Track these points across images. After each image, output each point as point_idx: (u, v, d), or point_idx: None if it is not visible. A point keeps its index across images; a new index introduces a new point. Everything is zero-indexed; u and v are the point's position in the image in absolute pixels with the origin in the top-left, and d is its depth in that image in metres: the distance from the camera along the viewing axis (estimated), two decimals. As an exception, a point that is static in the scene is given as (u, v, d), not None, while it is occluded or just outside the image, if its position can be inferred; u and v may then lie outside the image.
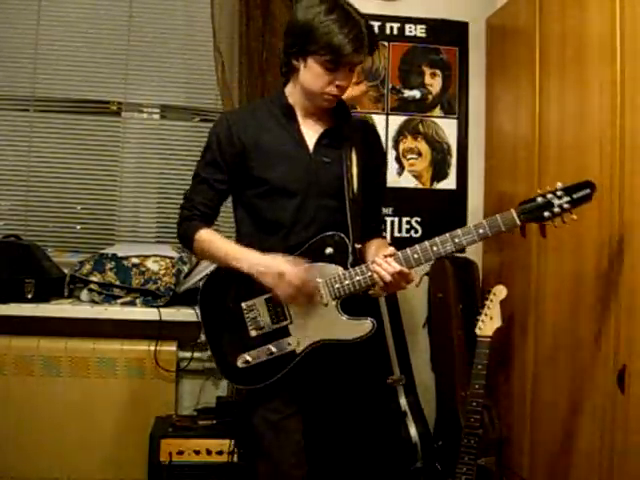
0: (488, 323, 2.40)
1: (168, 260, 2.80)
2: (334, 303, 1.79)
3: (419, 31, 3.10)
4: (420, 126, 3.10)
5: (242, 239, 1.91)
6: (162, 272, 2.76)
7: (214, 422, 2.58)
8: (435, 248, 1.74)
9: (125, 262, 2.76)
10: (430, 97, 3.12)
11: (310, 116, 1.91)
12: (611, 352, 1.94)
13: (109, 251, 2.82)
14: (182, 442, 2.46)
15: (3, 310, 2.60)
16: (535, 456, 2.44)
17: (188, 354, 2.82)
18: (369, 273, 1.76)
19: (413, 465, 2.70)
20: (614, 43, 1.96)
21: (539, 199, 1.71)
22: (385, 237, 2.06)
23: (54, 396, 2.65)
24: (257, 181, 1.86)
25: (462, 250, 1.89)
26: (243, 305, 1.85)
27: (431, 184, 3.11)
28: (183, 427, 2.51)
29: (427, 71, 3.12)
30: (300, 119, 1.90)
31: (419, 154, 3.09)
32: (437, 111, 3.13)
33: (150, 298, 2.73)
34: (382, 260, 1.74)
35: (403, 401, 2.76)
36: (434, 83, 3.13)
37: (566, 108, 2.29)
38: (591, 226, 2.05)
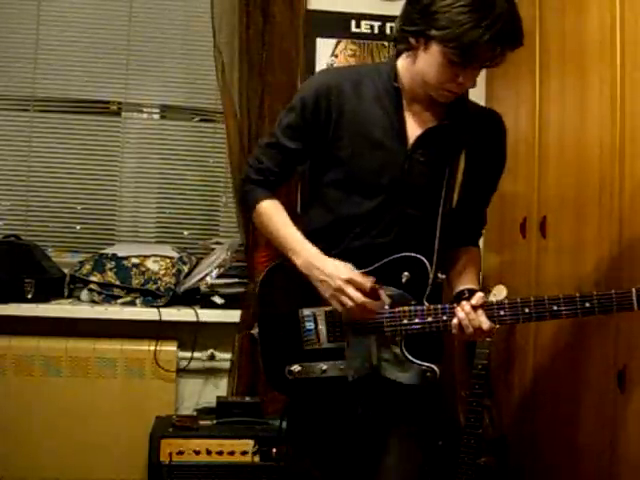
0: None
1: (168, 260, 2.80)
2: (398, 339, 1.57)
3: (419, 31, 3.09)
4: (420, 126, 3.09)
5: (308, 235, 1.65)
6: (162, 272, 2.76)
7: (214, 422, 2.57)
8: (527, 310, 1.48)
9: (125, 262, 2.77)
10: (430, 97, 3.11)
11: (419, 102, 1.61)
12: (611, 352, 1.94)
13: (109, 251, 2.83)
14: (182, 442, 2.45)
15: (3, 310, 2.60)
16: (535, 456, 2.44)
17: (188, 354, 2.82)
18: (444, 317, 1.52)
19: (413, 465, 2.69)
20: (614, 43, 1.95)
21: None
22: (478, 248, 1.80)
23: (54, 396, 2.65)
24: (337, 164, 1.61)
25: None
26: (301, 313, 1.65)
27: (431, 184, 3.10)
28: (183, 427, 2.51)
29: (427, 71, 3.10)
30: (406, 105, 1.60)
31: (419, 154, 3.08)
32: (437, 111, 3.11)
33: (150, 298, 2.73)
34: (470, 310, 1.49)
35: (403, 401, 2.76)
36: (434, 83, 3.11)
37: (566, 108, 2.29)
38: (591, 225, 2.05)
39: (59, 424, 2.65)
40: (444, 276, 1.62)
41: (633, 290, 1.42)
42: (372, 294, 1.53)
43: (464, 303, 1.51)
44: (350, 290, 1.51)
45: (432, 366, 1.58)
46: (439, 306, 1.54)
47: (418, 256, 1.55)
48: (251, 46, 2.85)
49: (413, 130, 1.61)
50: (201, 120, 3.17)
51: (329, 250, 1.61)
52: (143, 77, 3.08)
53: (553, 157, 2.38)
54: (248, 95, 2.83)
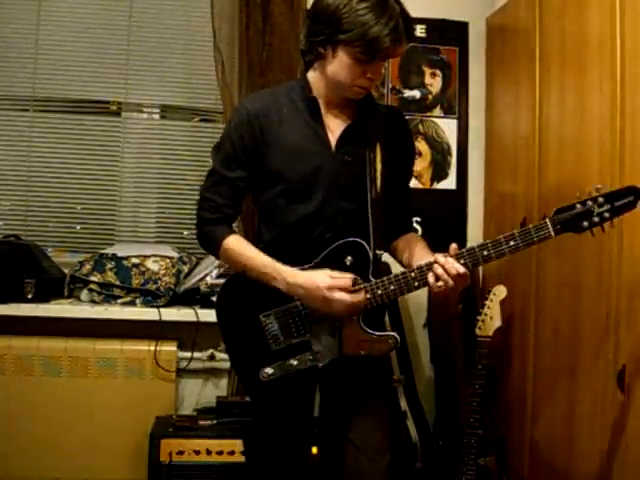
0: (488, 323, 2.40)
1: (168, 260, 2.80)
2: (355, 317, 1.69)
3: (419, 31, 3.10)
4: (420, 126, 3.10)
5: (263, 247, 1.79)
6: (162, 272, 2.76)
7: (214, 422, 2.58)
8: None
9: (125, 262, 2.77)
10: (430, 97, 3.12)
11: (334, 107, 1.78)
12: (611, 352, 1.94)
13: (109, 251, 2.83)
14: (182, 442, 2.45)
15: (3, 310, 2.60)
16: (535, 456, 2.44)
17: (188, 354, 2.82)
18: (392, 287, 1.66)
19: (413, 465, 2.70)
20: (614, 43, 1.95)
21: (578, 206, 1.55)
22: (417, 231, 1.96)
23: (54, 396, 2.65)
24: (274, 179, 1.75)
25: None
26: (261, 317, 1.75)
27: (431, 184, 3.11)
28: (183, 427, 2.51)
29: (427, 71, 3.12)
30: (323, 111, 1.77)
31: (419, 154, 3.09)
32: (437, 111, 3.13)
33: (150, 298, 2.73)
34: (445, 260, 1.60)
35: (403, 401, 2.76)
36: (434, 83, 3.13)
37: (566, 108, 2.29)
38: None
39: (59, 424, 2.64)
40: (382, 252, 1.76)
41: (547, 220, 1.56)
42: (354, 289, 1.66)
43: (439, 257, 1.61)
44: (336, 295, 1.63)
45: (392, 334, 1.71)
46: (385, 278, 1.67)
47: (357, 240, 1.70)
48: (251, 46, 2.85)
49: (333, 133, 1.78)
50: (201, 120, 3.17)
51: (282, 257, 1.72)
52: (143, 77, 3.08)
53: (553, 157, 2.38)
54: (248, 95, 2.83)
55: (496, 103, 3.01)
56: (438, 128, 3.13)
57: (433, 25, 3.11)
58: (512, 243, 1.59)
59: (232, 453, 2.46)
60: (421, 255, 1.76)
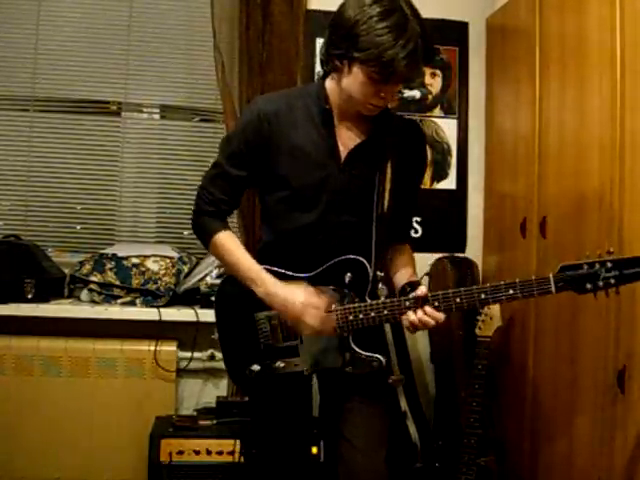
0: (488, 323, 2.41)
1: (168, 260, 2.80)
2: (345, 334, 1.70)
3: (419, 31, 3.10)
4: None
5: (262, 247, 1.85)
6: (162, 272, 2.76)
7: (214, 422, 2.58)
8: (458, 300, 1.61)
9: (125, 262, 2.77)
10: (430, 97, 3.12)
11: (348, 119, 1.76)
12: (611, 352, 1.94)
13: (109, 251, 2.83)
14: (182, 442, 2.46)
15: (3, 310, 2.60)
16: (535, 456, 2.44)
17: (188, 354, 2.83)
18: (385, 312, 1.65)
19: (413, 465, 2.70)
20: (614, 43, 1.95)
21: (585, 267, 1.52)
22: (410, 243, 1.93)
23: (54, 396, 2.66)
24: (280, 183, 1.75)
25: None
26: (256, 316, 1.78)
27: (431, 184, 3.11)
28: (183, 427, 2.51)
29: (427, 71, 3.11)
30: (336, 122, 1.75)
31: (419, 154, 3.08)
32: (437, 111, 3.13)
33: (150, 298, 2.73)
34: (421, 315, 1.61)
35: (403, 401, 2.76)
36: (434, 83, 3.13)
37: (566, 108, 2.29)
38: (591, 226, 2.06)
39: (59, 424, 2.65)
40: (382, 274, 1.74)
41: (551, 276, 1.55)
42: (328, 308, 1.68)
43: (411, 314, 1.63)
44: (308, 316, 1.66)
45: (377, 356, 1.72)
46: (380, 301, 1.66)
47: (358, 258, 1.69)
48: (251, 46, 2.85)
49: (345, 146, 1.75)
50: (201, 120, 3.17)
51: (280, 261, 1.75)
52: (143, 77, 3.08)
53: (553, 157, 2.38)
54: (248, 95, 2.83)
55: (496, 103, 3.01)
56: (438, 128, 3.13)
57: (433, 25, 3.09)
58: (511, 292, 1.59)
59: (232, 453, 2.46)
60: (402, 279, 1.78)
